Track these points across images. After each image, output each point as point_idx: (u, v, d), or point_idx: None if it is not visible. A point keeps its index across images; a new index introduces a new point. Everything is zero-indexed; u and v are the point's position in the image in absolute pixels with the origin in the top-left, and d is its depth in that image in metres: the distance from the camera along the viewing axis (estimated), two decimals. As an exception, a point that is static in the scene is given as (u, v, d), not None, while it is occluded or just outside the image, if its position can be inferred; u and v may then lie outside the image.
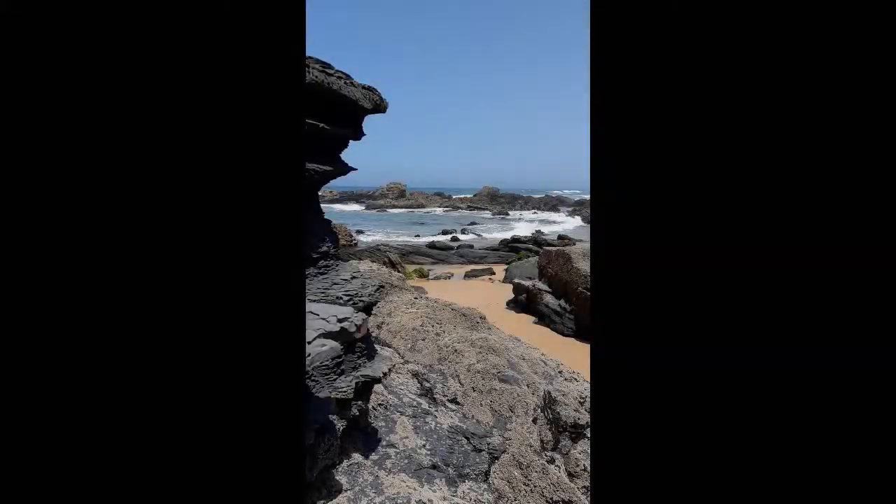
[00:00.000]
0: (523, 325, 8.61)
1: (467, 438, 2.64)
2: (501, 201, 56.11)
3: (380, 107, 2.66)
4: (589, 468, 3.09)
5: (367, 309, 2.51)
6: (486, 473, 2.51)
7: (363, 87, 2.57)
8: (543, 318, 8.76)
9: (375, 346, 2.69)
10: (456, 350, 3.37)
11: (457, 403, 2.90)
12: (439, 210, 50.35)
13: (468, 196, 60.63)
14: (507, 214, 46.74)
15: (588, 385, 3.76)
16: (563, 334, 8.21)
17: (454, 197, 60.15)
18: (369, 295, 2.50)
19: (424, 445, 2.52)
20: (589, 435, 3.37)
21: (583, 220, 39.66)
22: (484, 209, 51.18)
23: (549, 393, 3.38)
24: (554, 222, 38.64)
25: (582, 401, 3.49)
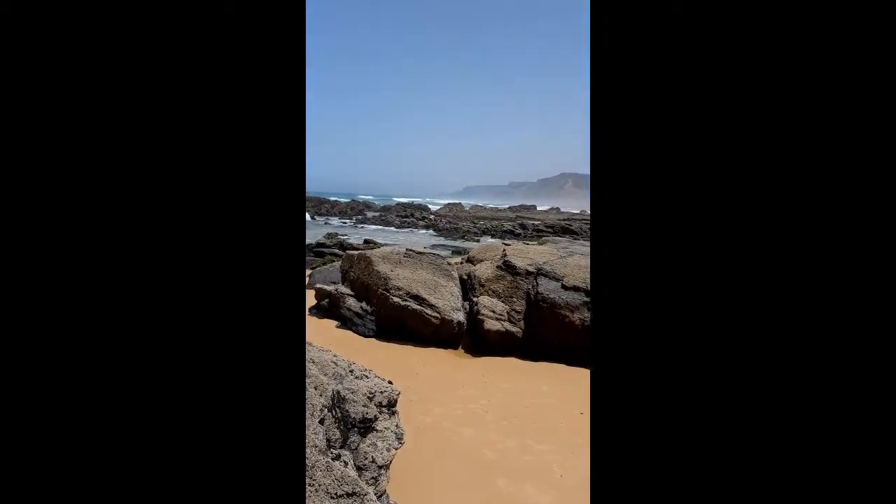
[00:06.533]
0: (326, 331, 8.51)
1: (245, 452, 2.51)
2: (308, 205, 54.18)
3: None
4: (376, 459, 3.26)
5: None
6: (267, 484, 2.42)
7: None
8: (346, 322, 8.81)
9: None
10: (237, 361, 3.15)
11: (235, 417, 2.72)
12: (236, 213, 45.74)
13: (270, 198, 56.69)
14: (314, 219, 45.37)
15: (378, 381, 3.95)
16: (365, 335, 8.40)
17: (254, 199, 55.48)
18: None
19: (193, 468, 2.29)
20: (377, 427, 3.55)
21: (387, 225, 41.16)
22: (288, 213, 48.52)
23: (339, 392, 3.44)
24: (362, 227, 39.12)
25: (371, 396, 3.65)
